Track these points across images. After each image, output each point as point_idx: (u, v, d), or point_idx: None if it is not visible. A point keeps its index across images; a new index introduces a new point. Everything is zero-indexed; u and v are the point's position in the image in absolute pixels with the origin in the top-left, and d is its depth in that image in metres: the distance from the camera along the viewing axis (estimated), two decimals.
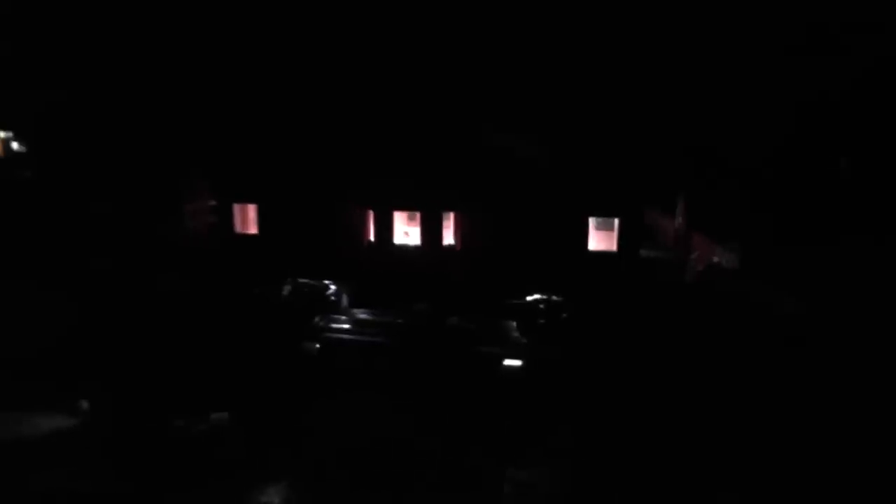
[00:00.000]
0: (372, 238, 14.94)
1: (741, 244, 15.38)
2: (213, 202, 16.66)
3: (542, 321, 13.45)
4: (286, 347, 12.30)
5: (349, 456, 8.80)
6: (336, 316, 13.26)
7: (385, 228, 14.52)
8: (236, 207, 16.05)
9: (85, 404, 10.10)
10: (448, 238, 14.59)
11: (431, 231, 14.30)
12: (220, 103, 15.56)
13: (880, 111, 14.81)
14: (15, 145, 16.76)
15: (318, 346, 12.41)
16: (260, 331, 12.92)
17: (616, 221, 14.29)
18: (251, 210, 16.11)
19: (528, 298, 13.78)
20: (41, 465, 8.30)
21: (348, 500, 7.86)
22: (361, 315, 13.28)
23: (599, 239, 15.20)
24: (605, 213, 14.00)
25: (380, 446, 9.03)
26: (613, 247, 14.78)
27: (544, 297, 13.80)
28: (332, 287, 14.26)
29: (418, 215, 14.85)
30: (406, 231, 15.48)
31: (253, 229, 16.14)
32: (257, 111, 15.33)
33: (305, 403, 10.47)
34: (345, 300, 14.37)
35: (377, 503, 7.83)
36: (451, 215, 14.59)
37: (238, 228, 16.12)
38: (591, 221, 15.08)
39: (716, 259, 15.72)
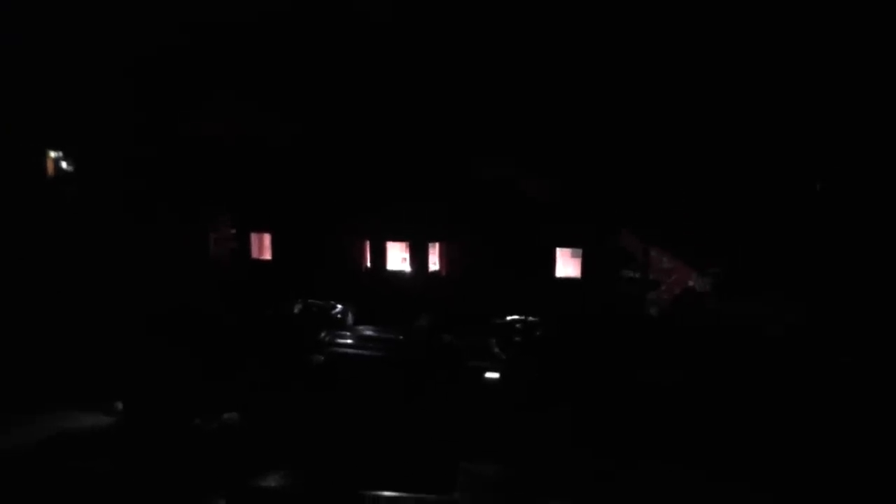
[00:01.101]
0: (368, 264, 16.84)
1: (719, 269, 16.51)
2: (233, 230, 18.77)
3: (517, 338, 15.01)
4: (295, 359, 14.03)
5: (337, 450, 10.38)
6: (341, 332, 14.99)
7: (378, 256, 16.44)
8: (253, 236, 18.16)
9: (119, 405, 12.14)
10: (434, 265, 16.40)
11: (419, 258, 16.15)
12: (242, 148, 17.65)
13: (856, 135, 15.40)
14: (64, 164, 17.37)
15: (322, 358, 14.16)
16: (273, 344, 14.65)
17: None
18: (266, 238, 18.19)
19: (508, 318, 15.34)
20: (78, 454, 10.16)
21: (328, 484, 9.44)
22: (366, 332, 14.95)
23: (575, 265, 16.77)
24: (570, 244, 15.65)
25: (366, 444, 10.59)
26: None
27: (521, 317, 15.36)
28: (339, 306, 15.97)
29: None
30: (404, 257, 17.28)
31: (268, 255, 18.20)
32: (272, 155, 17.44)
33: (308, 407, 12.18)
34: (350, 318, 16.07)
35: (346, 487, 9.40)
36: (437, 245, 16.42)
37: (255, 254, 18.20)
38: (568, 250, 16.67)
39: (691, 283, 16.96)
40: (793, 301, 14.62)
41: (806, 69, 15.35)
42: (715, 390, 11.84)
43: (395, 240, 16.59)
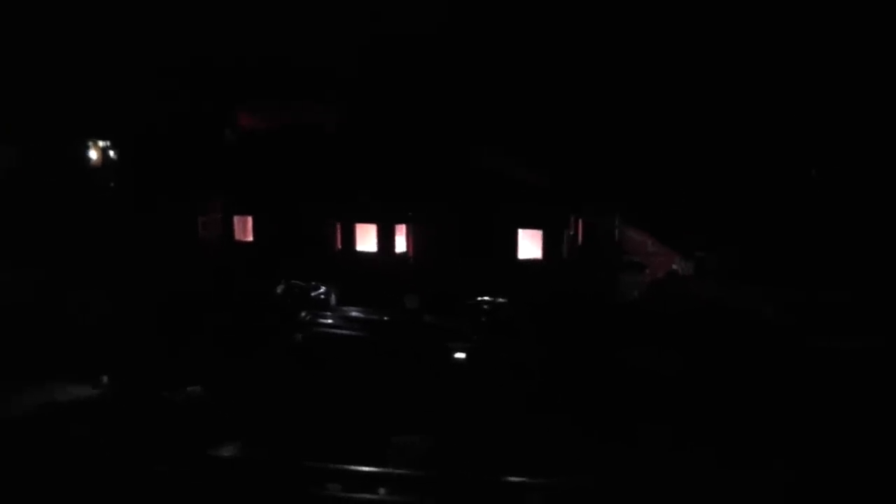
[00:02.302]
0: (339, 245, 17.64)
1: (703, 254, 16.63)
2: (220, 214, 19.61)
3: (483, 319, 15.55)
4: (275, 338, 14.86)
5: (296, 423, 11.31)
6: (322, 312, 15.73)
7: (348, 238, 17.26)
8: (236, 219, 19.03)
9: (105, 379, 13.36)
10: (400, 246, 17.09)
11: (386, 240, 16.92)
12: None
13: (851, 121, 15.43)
14: (112, 153, 17.65)
15: (300, 336, 14.96)
16: (255, 324, 15.48)
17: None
18: (248, 221, 19.05)
19: (478, 299, 15.87)
20: (68, 420, 11.45)
21: (273, 454, 10.36)
22: (351, 312, 15.63)
23: (539, 247, 17.11)
24: (531, 226, 16.10)
25: (322, 417, 11.49)
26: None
27: (489, 298, 15.85)
28: (322, 287, 16.68)
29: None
30: (374, 239, 17.82)
31: (251, 237, 19.09)
32: (253, 140, 18.24)
33: (278, 383, 13.10)
34: (333, 299, 16.80)
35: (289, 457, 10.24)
36: (403, 227, 17.08)
37: (238, 237, 19.12)
38: (536, 232, 17.03)
39: (674, 266, 17.21)
40: (779, 287, 14.79)
41: (786, 54, 15.32)
42: (690, 373, 12.33)
43: (363, 222, 17.33)
